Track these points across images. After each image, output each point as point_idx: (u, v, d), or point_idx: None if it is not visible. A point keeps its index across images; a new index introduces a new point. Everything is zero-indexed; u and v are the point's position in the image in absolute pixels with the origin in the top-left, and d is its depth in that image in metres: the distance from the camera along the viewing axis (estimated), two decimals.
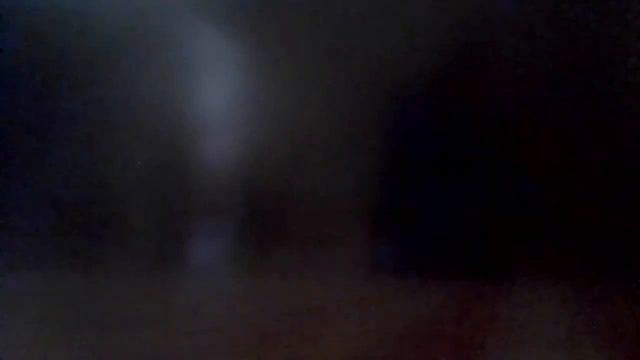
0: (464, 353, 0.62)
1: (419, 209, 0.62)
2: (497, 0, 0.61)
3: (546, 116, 0.61)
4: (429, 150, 0.62)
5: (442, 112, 0.62)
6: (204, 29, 0.64)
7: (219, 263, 0.64)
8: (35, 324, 0.65)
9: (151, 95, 0.63)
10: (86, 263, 0.64)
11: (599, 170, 0.60)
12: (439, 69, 0.62)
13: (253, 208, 0.63)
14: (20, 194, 0.64)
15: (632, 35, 0.59)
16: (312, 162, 0.62)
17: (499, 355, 0.62)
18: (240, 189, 0.63)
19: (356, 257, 0.62)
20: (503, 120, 0.61)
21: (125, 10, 0.63)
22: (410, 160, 0.62)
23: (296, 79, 0.63)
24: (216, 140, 0.64)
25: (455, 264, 0.62)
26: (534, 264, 0.61)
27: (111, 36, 0.64)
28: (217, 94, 0.64)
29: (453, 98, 0.61)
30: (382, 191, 0.62)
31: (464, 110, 0.61)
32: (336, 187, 0.62)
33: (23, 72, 0.64)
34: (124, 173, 0.64)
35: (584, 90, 0.60)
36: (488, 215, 0.61)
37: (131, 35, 0.63)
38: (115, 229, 0.64)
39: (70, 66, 0.64)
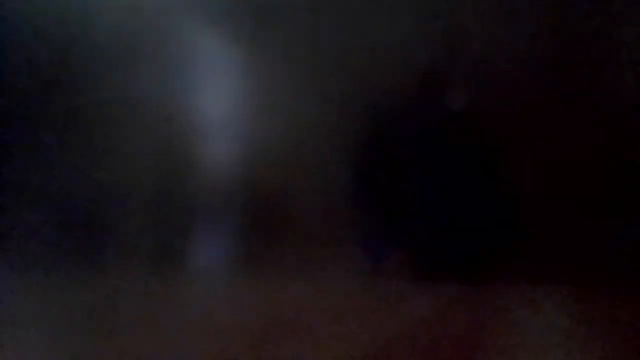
0: (464, 356, 0.62)
1: (419, 210, 0.62)
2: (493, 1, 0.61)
3: (546, 116, 0.60)
4: (429, 152, 0.61)
5: (443, 113, 0.62)
6: (206, 30, 0.64)
7: (218, 264, 0.64)
8: (36, 324, 0.65)
9: (152, 96, 0.64)
10: (87, 264, 0.64)
11: (599, 172, 0.60)
12: (439, 70, 0.61)
13: (254, 210, 0.63)
14: (20, 193, 0.65)
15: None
16: (312, 163, 0.63)
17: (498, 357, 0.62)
18: (241, 190, 0.63)
19: (356, 258, 0.62)
20: (503, 120, 0.61)
21: (127, 9, 0.64)
22: (410, 161, 0.62)
23: (296, 80, 0.63)
24: (217, 141, 0.64)
25: (455, 265, 0.62)
26: (534, 266, 0.61)
27: (113, 36, 0.64)
28: (219, 95, 0.64)
29: (452, 99, 0.61)
30: (381, 192, 0.62)
31: (464, 111, 0.61)
32: (335, 188, 0.62)
33: (24, 71, 0.64)
34: (125, 173, 0.64)
35: (584, 91, 0.60)
36: (487, 217, 0.61)
37: (133, 35, 0.64)
38: (115, 230, 0.64)
39: (71, 66, 0.64)
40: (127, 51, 0.64)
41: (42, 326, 0.65)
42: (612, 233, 0.60)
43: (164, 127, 0.64)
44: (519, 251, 0.61)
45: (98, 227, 0.64)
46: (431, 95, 0.62)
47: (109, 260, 0.64)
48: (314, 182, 0.62)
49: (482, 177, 0.61)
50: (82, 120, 0.64)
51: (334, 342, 0.63)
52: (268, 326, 0.63)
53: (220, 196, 0.63)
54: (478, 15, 0.61)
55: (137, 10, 0.64)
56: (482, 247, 0.61)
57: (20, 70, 0.64)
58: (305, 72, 0.63)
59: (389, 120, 0.62)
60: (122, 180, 0.64)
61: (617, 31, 0.60)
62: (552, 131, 0.61)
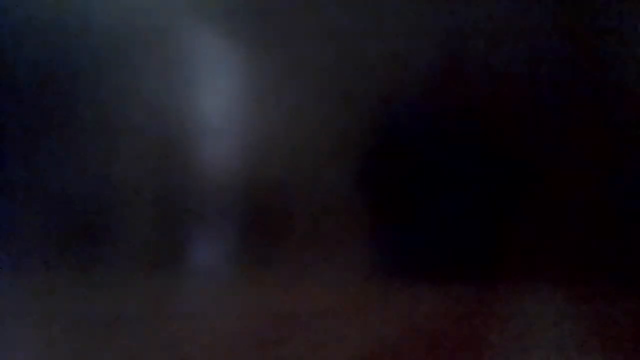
0: (463, 357, 0.62)
1: (419, 210, 0.62)
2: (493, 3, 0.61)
3: (545, 117, 0.61)
4: (430, 152, 0.62)
5: (443, 114, 0.62)
6: (205, 30, 0.64)
7: (218, 265, 0.64)
8: (37, 324, 0.65)
9: (152, 96, 0.64)
10: (87, 264, 0.64)
11: (599, 172, 0.60)
12: (440, 72, 0.62)
13: (254, 210, 0.63)
14: (21, 193, 0.64)
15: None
16: (312, 164, 0.63)
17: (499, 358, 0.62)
18: (241, 191, 0.63)
19: (356, 259, 0.62)
20: (502, 121, 0.61)
21: (128, 9, 0.64)
22: (409, 162, 0.62)
23: (296, 80, 0.63)
24: (217, 142, 0.64)
25: (456, 266, 0.62)
26: (534, 267, 0.61)
27: (114, 36, 0.64)
28: (219, 96, 0.64)
29: (454, 100, 0.62)
30: (381, 193, 0.62)
31: (464, 113, 0.61)
32: (335, 189, 0.62)
33: (25, 71, 0.64)
34: (126, 174, 0.64)
35: (584, 92, 0.60)
36: (488, 217, 0.61)
37: (133, 36, 0.64)
38: (116, 230, 0.64)
39: (72, 66, 0.64)
40: (127, 50, 0.64)
41: (41, 326, 0.65)
42: (613, 233, 0.60)
43: (166, 128, 0.64)
44: (522, 252, 0.61)
45: (97, 228, 0.64)
46: (434, 96, 0.62)
47: (109, 261, 0.64)
48: (316, 182, 0.62)
49: (485, 178, 0.61)
50: (82, 121, 0.64)
51: (335, 344, 0.63)
52: (270, 327, 0.63)
53: (224, 196, 0.63)
54: (481, 15, 0.61)
55: (144, 8, 0.64)
56: (485, 249, 0.61)
57: (20, 70, 0.64)
58: (306, 72, 0.63)
59: (392, 120, 0.62)
60: (123, 181, 0.64)
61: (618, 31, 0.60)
62: (553, 133, 0.61)
